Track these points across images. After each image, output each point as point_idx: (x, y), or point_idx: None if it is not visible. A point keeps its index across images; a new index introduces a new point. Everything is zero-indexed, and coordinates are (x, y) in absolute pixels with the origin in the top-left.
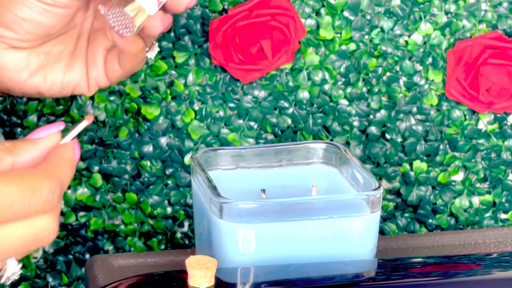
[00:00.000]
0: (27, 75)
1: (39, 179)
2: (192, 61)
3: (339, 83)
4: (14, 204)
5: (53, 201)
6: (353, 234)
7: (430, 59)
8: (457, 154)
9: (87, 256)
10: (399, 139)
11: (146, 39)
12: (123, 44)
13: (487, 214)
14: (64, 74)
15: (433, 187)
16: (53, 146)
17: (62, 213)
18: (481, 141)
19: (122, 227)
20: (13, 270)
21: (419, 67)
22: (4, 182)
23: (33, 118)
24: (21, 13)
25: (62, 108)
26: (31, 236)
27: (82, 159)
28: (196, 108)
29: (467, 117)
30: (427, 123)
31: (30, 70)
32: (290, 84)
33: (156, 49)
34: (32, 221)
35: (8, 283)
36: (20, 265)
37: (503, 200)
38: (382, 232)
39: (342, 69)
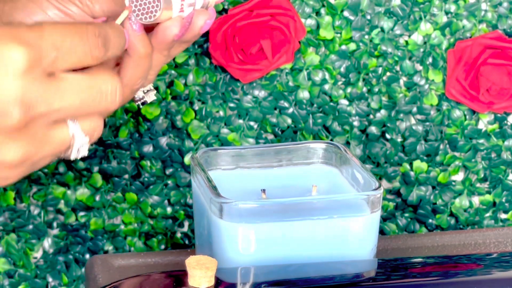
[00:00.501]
0: None
1: (83, 25)
2: (192, 61)
3: (339, 83)
4: (65, 43)
5: (100, 46)
6: (353, 234)
7: (430, 59)
8: (457, 154)
9: (87, 256)
10: (399, 139)
11: (156, 45)
12: (134, 39)
13: (487, 214)
14: None
15: (433, 187)
16: None
17: (62, 213)
18: (481, 141)
19: (122, 227)
20: (81, 142)
21: (419, 67)
22: (52, 25)
23: None
24: (35, 15)
25: None
26: (96, 90)
27: (82, 159)
28: (196, 108)
29: (467, 117)
30: (427, 123)
31: None
32: (290, 84)
33: (153, 96)
34: (93, 75)
35: (78, 157)
36: (88, 139)
37: (503, 200)
38: (382, 232)
39: (342, 69)
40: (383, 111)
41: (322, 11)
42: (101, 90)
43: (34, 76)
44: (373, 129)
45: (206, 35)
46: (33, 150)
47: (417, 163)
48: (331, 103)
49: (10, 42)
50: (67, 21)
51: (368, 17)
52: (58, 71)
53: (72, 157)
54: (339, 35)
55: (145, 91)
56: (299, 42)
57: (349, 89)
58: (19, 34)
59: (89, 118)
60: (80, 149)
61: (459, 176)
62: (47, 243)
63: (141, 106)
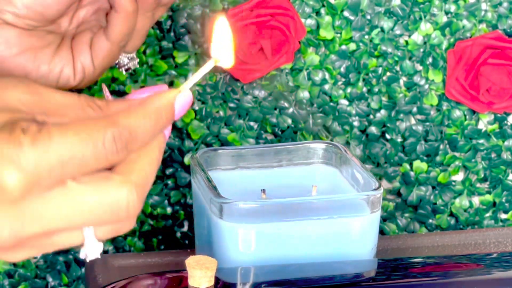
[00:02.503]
0: (17, 51)
1: (101, 127)
2: (192, 61)
3: (339, 83)
4: (75, 157)
5: (118, 152)
6: (353, 234)
7: (430, 59)
8: (457, 154)
9: None
10: (399, 139)
11: (140, 5)
12: None
13: (487, 214)
14: (52, 57)
15: (433, 187)
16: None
17: None
18: (481, 141)
19: None
20: (92, 247)
21: (419, 67)
22: (61, 133)
23: None
24: None
25: None
26: (105, 204)
27: None
28: (196, 108)
29: (467, 117)
30: (427, 123)
31: (20, 48)
32: (290, 84)
33: (136, 64)
34: (104, 185)
35: (87, 260)
36: (101, 244)
37: (503, 200)
38: (382, 232)
39: (342, 69)
40: (383, 111)
41: (322, 11)
42: (111, 206)
43: (31, 198)
44: (373, 129)
45: (206, 35)
46: (36, 252)
47: (417, 163)
48: (331, 103)
49: (6, 167)
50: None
51: (368, 17)
52: (65, 180)
53: (81, 257)
54: (339, 35)
55: (129, 58)
56: (299, 42)
57: (349, 89)
58: (18, 157)
59: (105, 226)
60: (88, 253)
61: (459, 176)
62: None
63: (124, 73)
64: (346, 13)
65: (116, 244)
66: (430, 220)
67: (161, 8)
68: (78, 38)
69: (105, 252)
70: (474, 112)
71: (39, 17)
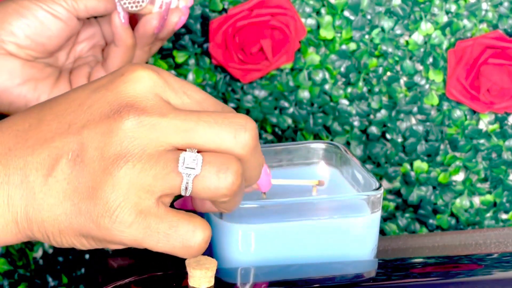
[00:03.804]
0: (19, 81)
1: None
2: (192, 61)
3: (340, 83)
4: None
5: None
6: (353, 234)
7: (430, 59)
8: (457, 154)
9: (87, 256)
10: (400, 139)
11: (138, 39)
12: (122, 31)
13: (488, 214)
14: (52, 89)
15: (434, 187)
16: None
17: None
18: (481, 141)
19: None
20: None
21: (419, 67)
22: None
23: None
24: (26, 18)
25: None
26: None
27: None
28: None
29: (467, 117)
30: (428, 123)
31: (23, 78)
32: (291, 84)
33: None
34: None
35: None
36: None
37: (504, 200)
38: (382, 232)
39: (342, 69)
40: (383, 111)
41: (323, 10)
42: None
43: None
44: (373, 129)
45: (206, 35)
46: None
47: (417, 163)
48: (332, 103)
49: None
50: (62, 25)
51: (369, 16)
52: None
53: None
54: (339, 34)
55: None
56: (299, 42)
57: (349, 89)
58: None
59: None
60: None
61: (459, 176)
62: None
63: None
64: (346, 13)
65: None
66: (431, 220)
67: (157, 42)
68: (76, 72)
69: (105, 252)
70: (474, 112)
71: (40, 48)
